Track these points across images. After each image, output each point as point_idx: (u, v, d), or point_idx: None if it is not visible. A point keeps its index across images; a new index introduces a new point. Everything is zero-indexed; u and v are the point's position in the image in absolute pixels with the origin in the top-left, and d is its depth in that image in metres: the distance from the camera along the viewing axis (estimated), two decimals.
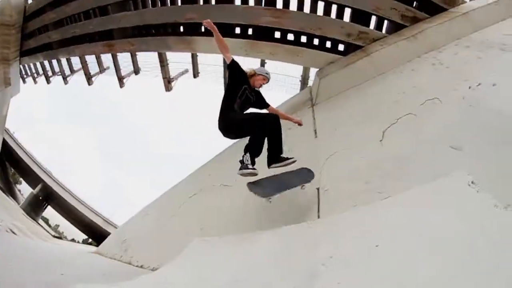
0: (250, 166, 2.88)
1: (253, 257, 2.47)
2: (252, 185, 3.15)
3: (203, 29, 5.69)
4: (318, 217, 2.84)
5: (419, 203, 2.04)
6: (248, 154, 2.93)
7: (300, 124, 3.45)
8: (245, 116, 3.15)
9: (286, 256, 2.29)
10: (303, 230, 2.47)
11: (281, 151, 3.10)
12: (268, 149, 3.08)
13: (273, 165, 3.06)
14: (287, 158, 3.08)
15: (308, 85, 6.97)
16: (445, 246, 1.59)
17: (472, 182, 1.85)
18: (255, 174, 2.93)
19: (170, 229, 4.64)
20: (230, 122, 3.09)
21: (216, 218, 3.90)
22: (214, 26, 3.16)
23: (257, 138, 2.97)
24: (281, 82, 8.18)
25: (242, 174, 2.94)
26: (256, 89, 3.32)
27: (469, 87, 3.11)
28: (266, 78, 3.32)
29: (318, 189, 3.08)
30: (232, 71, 3.20)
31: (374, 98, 3.73)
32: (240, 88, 3.11)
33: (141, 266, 4.30)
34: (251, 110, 3.39)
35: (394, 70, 3.97)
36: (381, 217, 2.14)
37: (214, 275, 2.49)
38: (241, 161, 2.95)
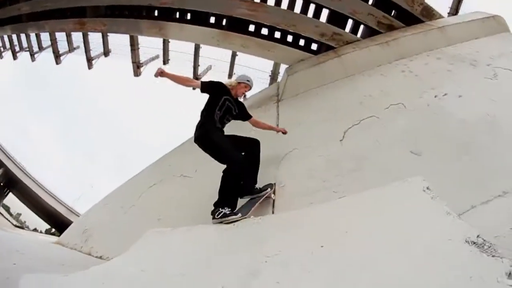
0: (228, 211, 2.56)
1: (201, 250, 2.39)
2: None
3: (177, 15, 5.56)
4: (273, 212, 2.79)
5: (372, 205, 2.01)
6: (225, 209, 2.58)
7: (284, 133, 3.35)
8: (224, 145, 2.82)
9: (233, 250, 2.22)
10: (254, 225, 2.40)
11: (256, 182, 2.97)
12: (243, 179, 2.88)
13: (247, 197, 2.89)
14: (262, 190, 2.91)
15: (277, 81, 6.97)
16: (390, 252, 1.56)
17: (427, 188, 1.83)
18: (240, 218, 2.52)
19: (129, 219, 4.50)
20: (207, 139, 2.87)
21: (174, 209, 3.79)
22: (167, 73, 2.88)
23: (231, 188, 2.68)
24: (251, 76, 8.22)
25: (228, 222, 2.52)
26: (238, 99, 3.20)
27: (435, 96, 3.20)
28: (248, 86, 3.20)
29: (274, 184, 3.03)
30: (207, 91, 3.01)
31: (339, 98, 3.75)
32: (219, 100, 2.94)
33: (101, 257, 4.15)
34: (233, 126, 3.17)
35: (363, 73, 4.01)
36: (332, 217, 2.11)
37: (161, 267, 2.39)
38: (219, 214, 2.57)
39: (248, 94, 5.37)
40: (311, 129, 3.48)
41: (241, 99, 3.31)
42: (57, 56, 10.68)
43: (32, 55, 11.93)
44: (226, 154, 2.77)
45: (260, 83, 7.93)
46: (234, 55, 8.02)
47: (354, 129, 3.19)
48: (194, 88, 3.14)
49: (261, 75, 8.06)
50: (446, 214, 1.62)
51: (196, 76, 8.96)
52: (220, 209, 2.58)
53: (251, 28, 4.96)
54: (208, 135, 2.85)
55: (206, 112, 2.95)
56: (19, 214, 40.52)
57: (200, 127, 2.91)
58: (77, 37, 9.77)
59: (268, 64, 7.84)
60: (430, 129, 2.86)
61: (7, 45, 12.86)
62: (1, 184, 29.00)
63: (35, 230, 30.59)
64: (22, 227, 27.67)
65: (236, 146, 2.90)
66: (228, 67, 8.71)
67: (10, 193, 31.60)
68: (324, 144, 3.19)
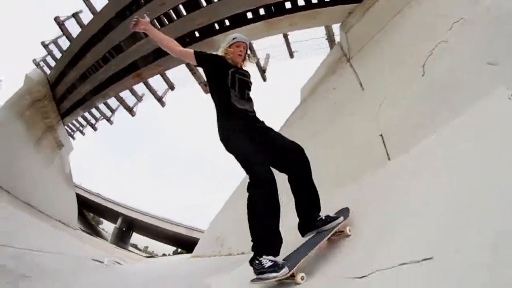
0: (269, 262, 1.73)
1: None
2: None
3: (216, 27, 5.90)
4: (389, 159, 3.00)
5: (469, 129, 1.96)
6: (263, 259, 1.75)
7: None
8: (241, 156, 2.09)
9: (365, 205, 2.19)
10: (378, 176, 2.48)
11: (318, 208, 2.08)
12: (297, 208, 2.09)
13: (309, 234, 2.05)
14: (330, 219, 1.96)
15: (336, 42, 6.79)
16: (499, 162, 1.53)
17: None
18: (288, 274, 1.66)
19: None
20: (225, 146, 2.17)
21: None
22: (148, 26, 2.33)
23: (261, 217, 1.91)
24: (309, 47, 8.24)
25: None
26: (243, 67, 2.46)
27: None
28: (240, 43, 2.40)
29: (381, 135, 3.26)
30: (205, 65, 2.35)
31: (403, 37, 3.72)
32: (226, 76, 2.23)
33: (242, 253, 4.68)
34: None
35: (411, 3, 3.87)
36: (436, 150, 2.09)
37: None
38: (258, 269, 1.76)
39: (315, 64, 5.49)
40: (391, 75, 3.56)
41: (247, 64, 2.51)
42: (130, 110, 11.95)
43: (108, 120, 13.54)
44: (245, 167, 2.05)
45: (321, 51, 7.92)
46: (286, 36, 8.05)
47: (429, 60, 3.19)
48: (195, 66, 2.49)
49: (319, 42, 8.00)
50: None
51: (262, 68, 9.27)
52: (257, 260, 1.79)
53: (288, 5, 4.96)
54: (224, 142, 2.18)
55: (219, 101, 2.26)
56: (146, 247, 46.64)
57: (221, 129, 2.21)
58: (140, 85, 10.59)
59: (320, 30, 7.67)
60: (498, 34, 2.70)
61: (84, 123, 14.67)
62: (124, 228, 33.74)
63: (163, 255, 33.96)
64: (153, 256, 31.57)
65: (265, 153, 2.09)
66: (284, 50, 9.01)
67: (134, 233, 36.62)
68: (408, 85, 3.27)
